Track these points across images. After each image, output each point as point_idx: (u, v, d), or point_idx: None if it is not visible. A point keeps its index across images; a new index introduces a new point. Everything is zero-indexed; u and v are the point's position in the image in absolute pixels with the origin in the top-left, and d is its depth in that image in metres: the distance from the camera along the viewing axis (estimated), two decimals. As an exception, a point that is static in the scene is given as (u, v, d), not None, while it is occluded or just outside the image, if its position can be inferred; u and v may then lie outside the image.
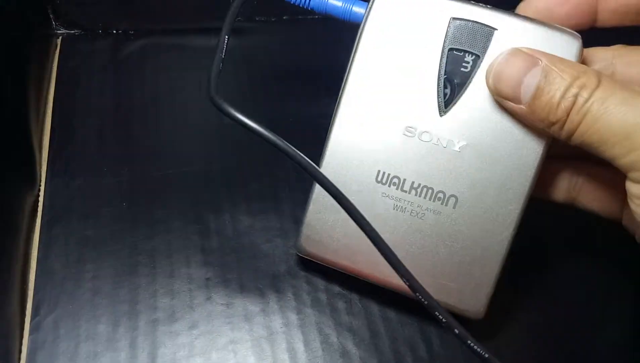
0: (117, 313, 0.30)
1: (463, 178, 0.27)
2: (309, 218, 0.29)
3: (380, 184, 0.28)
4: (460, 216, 0.27)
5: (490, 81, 0.25)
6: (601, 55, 0.29)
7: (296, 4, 0.29)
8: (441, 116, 0.27)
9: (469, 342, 0.26)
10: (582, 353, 0.31)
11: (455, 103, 0.26)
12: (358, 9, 0.28)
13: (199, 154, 0.37)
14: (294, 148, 0.25)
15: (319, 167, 0.28)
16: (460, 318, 0.27)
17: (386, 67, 0.27)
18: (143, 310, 0.30)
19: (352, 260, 0.29)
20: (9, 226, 0.31)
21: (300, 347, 0.29)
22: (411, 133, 0.27)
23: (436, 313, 0.26)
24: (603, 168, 0.25)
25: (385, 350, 0.30)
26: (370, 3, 0.27)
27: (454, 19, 0.26)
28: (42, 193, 0.34)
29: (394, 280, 0.26)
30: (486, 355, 0.25)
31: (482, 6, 0.26)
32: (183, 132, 0.38)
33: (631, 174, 0.23)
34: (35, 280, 0.31)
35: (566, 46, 0.25)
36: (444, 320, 0.26)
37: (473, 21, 0.26)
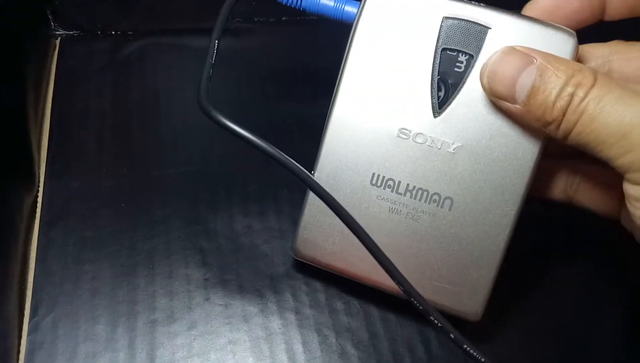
0: (115, 314, 0.30)
1: (458, 180, 0.27)
2: (304, 221, 0.29)
3: (375, 186, 0.27)
4: (456, 219, 0.27)
5: (485, 80, 0.25)
6: (597, 52, 0.28)
7: (288, 4, 0.29)
8: (435, 117, 0.26)
9: (465, 346, 0.26)
10: (580, 355, 0.31)
11: (449, 104, 0.26)
12: (350, 9, 0.28)
13: (197, 155, 0.37)
14: (285, 155, 0.25)
15: (314, 170, 0.28)
16: (458, 320, 0.27)
17: (379, 68, 0.27)
18: (142, 310, 0.30)
19: (348, 263, 0.29)
20: (7, 227, 0.31)
21: (298, 347, 0.29)
22: (405, 135, 0.27)
23: (431, 317, 0.26)
24: (600, 167, 0.25)
25: (384, 351, 0.30)
26: (363, 2, 0.27)
27: (447, 18, 0.26)
28: (40, 194, 0.34)
29: (390, 283, 0.26)
30: (482, 360, 0.25)
31: (475, 4, 0.26)
32: (181, 133, 0.38)
33: (628, 176, 0.23)
34: (33, 280, 0.31)
35: (561, 44, 0.25)
36: (439, 324, 0.26)
37: (466, 20, 0.26)
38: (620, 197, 0.26)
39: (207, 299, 0.31)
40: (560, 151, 0.28)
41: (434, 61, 0.26)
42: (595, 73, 0.23)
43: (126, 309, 0.30)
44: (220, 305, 0.31)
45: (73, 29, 0.43)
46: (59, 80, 0.40)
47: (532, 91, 0.23)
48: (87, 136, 0.37)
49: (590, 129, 0.23)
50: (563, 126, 0.23)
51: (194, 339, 0.29)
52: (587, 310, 0.32)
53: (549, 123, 0.24)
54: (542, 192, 0.30)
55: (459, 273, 0.27)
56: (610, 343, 0.31)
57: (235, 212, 0.34)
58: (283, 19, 0.45)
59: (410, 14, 0.26)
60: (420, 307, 0.26)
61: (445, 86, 0.26)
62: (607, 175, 0.28)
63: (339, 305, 0.31)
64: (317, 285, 0.32)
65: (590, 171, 0.29)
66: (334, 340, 0.30)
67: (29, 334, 0.29)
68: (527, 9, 0.27)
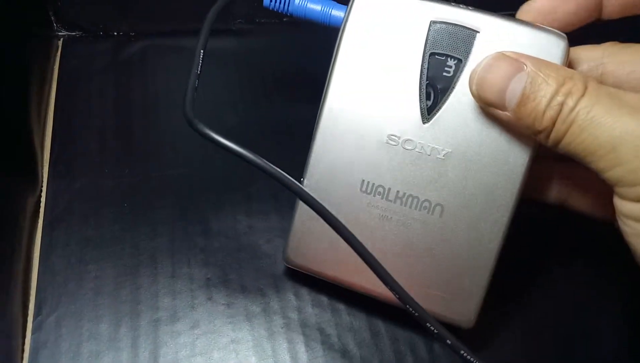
0: (119, 313, 0.30)
1: (448, 186, 0.26)
2: (295, 228, 0.29)
3: (365, 194, 0.27)
4: (447, 225, 0.27)
5: (474, 87, 0.24)
6: (590, 54, 0.28)
7: (275, 9, 0.28)
8: (424, 123, 0.26)
9: (462, 352, 0.25)
10: (578, 357, 0.31)
11: (438, 109, 0.26)
12: (337, 13, 0.28)
13: (199, 155, 0.37)
14: (273, 166, 0.25)
15: (303, 177, 0.28)
16: (451, 327, 0.27)
17: (367, 74, 0.26)
18: (145, 309, 0.30)
19: (340, 271, 0.29)
20: (11, 227, 0.31)
21: (301, 346, 0.30)
22: (394, 141, 0.26)
23: (427, 324, 0.26)
24: (593, 172, 0.25)
25: (386, 350, 0.30)
26: (349, 6, 0.26)
27: (434, 22, 0.25)
28: (43, 194, 0.34)
29: (383, 290, 0.26)
30: None
31: (463, 7, 0.25)
32: (183, 133, 0.38)
33: (618, 189, 0.23)
34: (37, 280, 0.31)
35: (551, 47, 0.24)
36: (435, 331, 0.26)
37: (454, 24, 0.25)
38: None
39: (210, 298, 0.31)
40: (553, 153, 0.28)
41: (422, 66, 0.26)
42: (585, 81, 0.22)
43: (129, 308, 0.30)
44: (223, 304, 0.31)
45: (75, 30, 0.43)
46: (61, 80, 0.40)
47: (522, 99, 0.23)
48: (89, 136, 0.37)
49: (579, 140, 0.22)
50: (553, 136, 0.23)
51: (196, 338, 0.29)
52: (582, 315, 0.32)
53: (539, 132, 0.23)
54: (534, 194, 0.30)
55: (451, 280, 0.27)
56: (607, 349, 0.31)
57: (237, 212, 0.34)
58: (285, 20, 0.45)
59: (398, 18, 0.26)
60: (416, 314, 0.26)
61: (434, 91, 0.26)
62: (600, 180, 0.28)
63: (341, 304, 0.31)
64: (320, 284, 0.32)
65: (582, 175, 0.28)
66: (336, 340, 0.30)
67: (32, 333, 0.29)
68: (522, 11, 0.27)
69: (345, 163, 0.27)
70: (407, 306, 0.26)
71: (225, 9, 0.29)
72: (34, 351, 0.28)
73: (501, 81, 0.23)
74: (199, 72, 0.27)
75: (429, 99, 0.26)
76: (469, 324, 0.27)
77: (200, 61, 0.27)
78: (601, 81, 0.27)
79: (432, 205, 0.27)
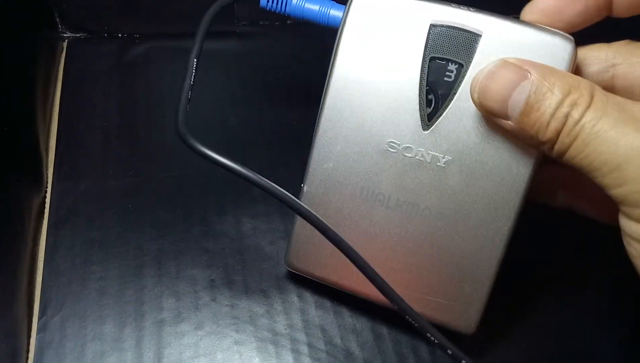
0: (123, 314, 0.30)
1: (449, 194, 0.26)
2: (296, 232, 0.28)
3: (364, 201, 0.27)
4: (447, 233, 0.26)
5: (476, 95, 0.23)
6: (600, 55, 0.26)
7: (273, 10, 0.28)
8: (424, 129, 0.25)
9: (463, 362, 0.26)
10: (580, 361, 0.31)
11: (439, 116, 0.25)
12: (335, 13, 0.27)
13: (203, 157, 0.37)
14: (267, 180, 0.25)
15: (303, 184, 0.28)
16: (452, 333, 0.27)
17: (366, 79, 0.25)
18: (149, 310, 0.30)
19: (341, 276, 0.28)
20: (16, 228, 0.31)
21: (304, 348, 0.30)
22: (394, 148, 0.26)
23: (427, 334, 0.26)
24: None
25: (389, 352, 0.30)
26: (348, 6, 0.25)
27: (434, 25, 0.24)
28: (48, 195, 0.35)
29: (384, 297, 0.26)
30: None
31: (465, 9, 0.24)
32: (188, 135, 0.38)
33: (623, 208, 0.22)
34: (42, 280, 0.31)
35: (557, 51, 0.23)
36: (436, 341, 0.26)
37: (455, 27, 0.24)
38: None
39: (214, 299, 0.31)
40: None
41: (422, 71, 0.25)
42: (592, 91, 0.21)
43: (133, 309, 0.30)
44: (227, 305, 0.31)
45: (80, 32, 0.44)
46: (66, 82, 0.40)
47: (526, 109, 0.22)
48: (94, 137, 0.37)
49: (584, 155, 0.21)
50: (557, 148, 0.22)
51: (200, 339, 0.30)
52: (583, 323, 0.32)
53: (543, 143, 0.22)
54: (540, 198, 0.29)
55: (452, 287, 0.27)
56: (608, 356, 0.31)
57: (241, 213, 0.35)
58: (288, 22, 0.45)
59: (397, 20, 0.25)
60: (416, 325, 0.26)
61: (435, 96, 0.25)
62: None
63: (344, 306, 0.31)
64: (323, 286, 0.32)
65: (589, 182, 0.27)
66: (339, 341, 0.30)
67: (37, 333, 0.29)
68: (526, 12, 0.25)
69: (345, 170, 0.27)
70: (407, 317, 0.26)
71: (224, 13, 0.28)
72: (39, 351, 0.29)
73: (504, 89, 0.22)
74: (192, 83, 0.26)
75: (429, 106, 0.25)
76: (469, 330, 0.27)
77: (194, 72, 0.26)
78: (612, 85, 0.26)
79: (433, 213, 0.26)
